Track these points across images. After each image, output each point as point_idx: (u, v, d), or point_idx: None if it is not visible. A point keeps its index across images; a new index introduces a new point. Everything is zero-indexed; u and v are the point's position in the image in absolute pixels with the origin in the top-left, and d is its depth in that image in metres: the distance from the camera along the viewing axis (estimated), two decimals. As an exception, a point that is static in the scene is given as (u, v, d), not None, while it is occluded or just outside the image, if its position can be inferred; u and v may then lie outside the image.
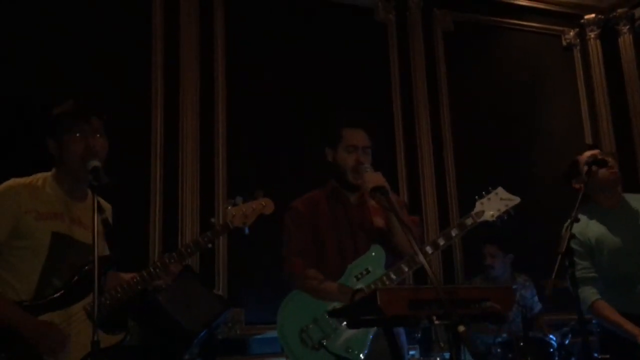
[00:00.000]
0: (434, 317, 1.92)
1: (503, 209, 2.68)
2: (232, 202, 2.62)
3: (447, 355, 3.97)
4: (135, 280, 2.44)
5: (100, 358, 2.09)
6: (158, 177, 4.68)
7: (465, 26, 6.03)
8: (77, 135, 2.38)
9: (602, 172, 3.05)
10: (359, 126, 2.85)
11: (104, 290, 2.39)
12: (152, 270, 2.46)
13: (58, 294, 2.34)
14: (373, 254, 2.69)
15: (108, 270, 2.46)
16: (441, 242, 2.65)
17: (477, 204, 2.70)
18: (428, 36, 5.85)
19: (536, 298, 4.81)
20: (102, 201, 2.50)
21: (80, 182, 2.44)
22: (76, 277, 2.37)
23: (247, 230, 2.61)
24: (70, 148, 2.38)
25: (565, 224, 2.81)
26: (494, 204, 2.68)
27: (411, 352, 4.67)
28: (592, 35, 6.43)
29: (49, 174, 2.48)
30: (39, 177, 2.45)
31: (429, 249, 2.63)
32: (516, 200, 2.70)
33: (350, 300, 2.51)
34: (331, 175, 2.89)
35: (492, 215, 2.66)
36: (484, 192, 2.73)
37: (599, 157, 3.07)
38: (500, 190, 2.71)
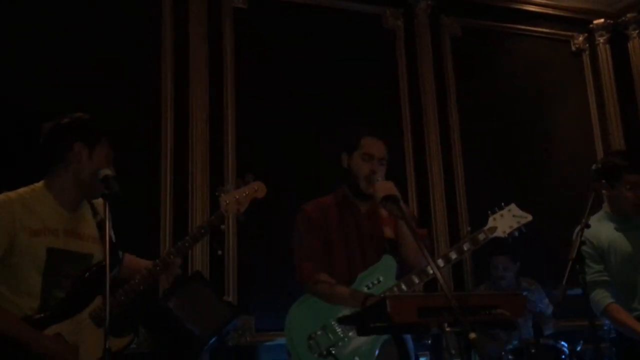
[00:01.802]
0: (445, 324, 1.92)
1: (515, 225, 2.73)
2: (223, 189, 2.56)
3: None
4: (137, 280, 2.42)
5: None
6: (168, 181, 4.71)
7: (473, 32, 6.02)
8: (107, 144, 2.42)
9: (630, 194, 3.05)
10: (378, 137, 2.85)
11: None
12: (153, 268, 2.45)
13: (62, 305, 2.33)
14: (385, 264, 2.69)
15: (111, 271, 2.45)
16: (453, 256, 2.67)
17: (490, 219, 2.74)
18: (436, 42, 5.84)
19: (546, 300, 4.77)
20: (95, 201, 2.52)
21: (86, 191, 2.44)
22: (77, 286, 2.36)
23: (242, 217, 2.57)
24: (97, 157, 2.40)
25: (576, 230, 2.80)
26: (506, 220, 2.73)
27: (422, 359, 4.65)
28: (602, 40, 6.40)
29: (39, 185, 2.44)
30: (29, 190, 2.41)
31: (440, 262, 2.64)
32: (528, 217, 2.75)
33: (362, 305, 2.51)
34: (344, 181, 2.89)
35: (504, 232, 2.72)
36: (496, 208, 2.76)
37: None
38: (513, 206, 2.76)
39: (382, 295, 2.57)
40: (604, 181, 3.05)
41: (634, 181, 3.05)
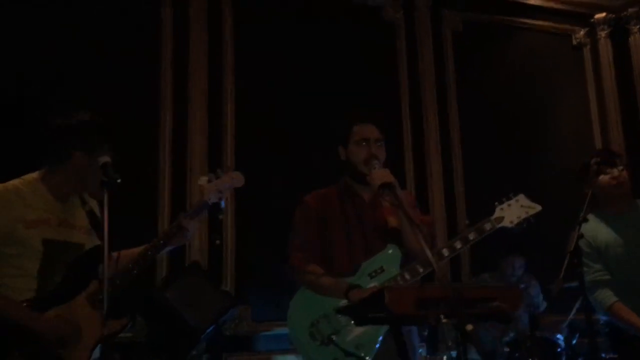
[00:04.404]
0: (442, 316, 1.92)
1: (523, 216, 2.62)
2: (205, 179, 2.66)
3: (454, 353, 3.97)
4: (130, 265, 2.47)
5: (110, 351, 2.14)
6: (167, 174, 4.71)
7: (474, 26, 6.00)
8: (106, 150, 2.42)
9: (603, 178, 3.05)
10: (368, 121, 2.81)
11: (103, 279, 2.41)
12: (147, 254, 2.51)
13: (59, 289, 2.38)
14: (389, 252, 2.67)
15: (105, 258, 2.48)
16: (458, 245, 2.60)
17: (497, 209, 2.64)
18: (437, 36, 5.83)
19: (541, 297, 4.81)
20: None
21: (86, 186, 2.48)
22: (71, 271, 2.41)
23: (223, 204, 2.67)
24: (96, 162, 2.38)
25: (574, 225, 2.80)
26: (514, 211, 2.63)
27: (419, 350, 4.67)
28: (603, 34, 6.40)
29: (34, 176, 2.48)
30: (23, 182, 2.45)
31: (445, 252, 2.58)
32: (537, 208, 2.64)
33: (345, 297, 2.51)
34: (344, 172, 2.87)
35: (512, 222, 2.61)
36: (504, 198, 2.66)
37: (602, 162, 3.05)
38: (521, 197, 2.66)
39: (384, 284, 2.57)
40: (584, 184, 3.05)
41: (600, 161, 3.04)
